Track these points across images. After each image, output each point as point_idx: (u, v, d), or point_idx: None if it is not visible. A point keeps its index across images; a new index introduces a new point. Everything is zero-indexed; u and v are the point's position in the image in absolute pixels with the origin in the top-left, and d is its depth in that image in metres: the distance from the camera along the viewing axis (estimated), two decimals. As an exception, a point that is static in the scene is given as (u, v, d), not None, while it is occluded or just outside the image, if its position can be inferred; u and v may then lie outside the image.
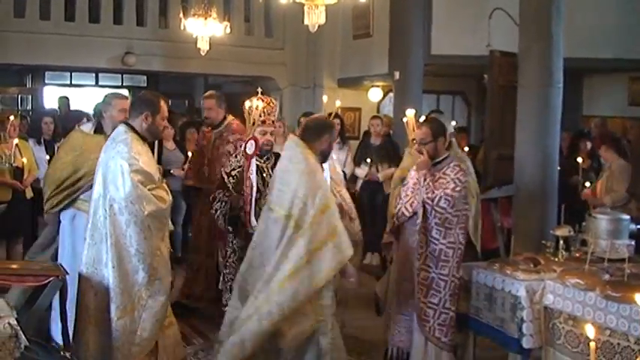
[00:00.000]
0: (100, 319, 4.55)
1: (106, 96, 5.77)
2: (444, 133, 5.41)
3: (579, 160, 7.58)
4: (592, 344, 1.92)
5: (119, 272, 4.47)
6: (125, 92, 16.08)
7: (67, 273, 4.57)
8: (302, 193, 4.47)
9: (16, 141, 7.31)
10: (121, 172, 4.47)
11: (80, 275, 4.60)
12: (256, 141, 5.34)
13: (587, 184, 7.27)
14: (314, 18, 5.10)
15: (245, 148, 5.33)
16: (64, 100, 11.76)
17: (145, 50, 11.37)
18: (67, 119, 9.05)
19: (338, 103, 6.11)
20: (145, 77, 15.67)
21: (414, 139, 5.87)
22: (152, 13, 11.60)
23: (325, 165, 5.20)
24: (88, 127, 5.80)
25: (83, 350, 4.57)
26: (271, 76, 12.30)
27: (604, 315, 4.54)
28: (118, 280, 4.48)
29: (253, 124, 5.74)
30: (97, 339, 4.57)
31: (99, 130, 5.63)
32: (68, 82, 15.14)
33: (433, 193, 5.19)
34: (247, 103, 5.79)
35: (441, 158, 5.34)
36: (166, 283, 4.65)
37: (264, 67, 12.24)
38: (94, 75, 15.23)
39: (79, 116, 8.58)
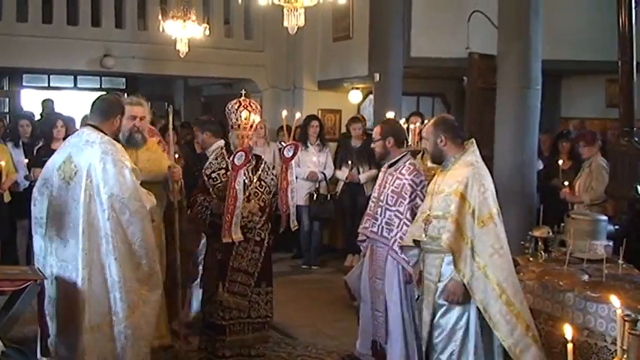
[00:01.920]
0: (102, 322, 4.54)
1: None
2: (393, 134, 5.60)
3: (560, 162, 7.63)
4: (569, 345, 1.92)
5: (125, 271, 4.50)
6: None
7: (46, 278, 4.52)
8: None
9: (-7, 144, 7.23)
10: (120, 170, 4.51)
11: (76, 279, 4.53)
12: (246, 153, 5.34)
13: (566, 183, 7.34)
14: (293, 20, 5.09)
15: (234, 158, 5.30)
16: (48, 103, 11.68)
17: (123, 52, 11.28)
18: (45, 122, 8.98)
19: (297, 116, 6.14)
20: (124, 79, 15.57)
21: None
22: (131, 15, 11.51)
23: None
24: None
25: (80, 355, 4.55)
26: (251, 78, 12.26)
27: (582, 315, 4.59)
28: (124, 279, 4.49)
29: (231, 127, 5.72)
30: (97, 343, 4.54)
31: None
32: (46, 85, 15.00)
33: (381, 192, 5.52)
34: (228, 105, 5.77)
35: (396, 158, 5.55)
36: (161, 277, 4.75)
37: (243, 69, 12.20)
38: (72, 78, 15.10)
39: (55, 120, 8.49)
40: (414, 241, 4.83)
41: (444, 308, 4.60)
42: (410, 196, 5.33)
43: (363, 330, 5.80)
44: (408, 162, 5.53)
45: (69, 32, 10.93)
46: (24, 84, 14.79)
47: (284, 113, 6.07)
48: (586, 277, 4.79)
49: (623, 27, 6.62)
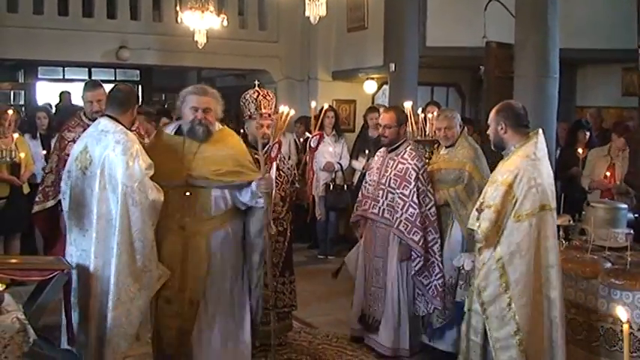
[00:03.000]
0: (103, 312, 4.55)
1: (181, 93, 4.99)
2: (406, 122, 6.08)
3: (579, 151, 7.63)
4: (625, 326, 1.92)
5: (120, 261, 4.44)
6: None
7: (73, 267, 4.56)
8: None
9: (16, 135, 7.28)
10: (129, 159, 4.47)
11: (91, 267, 4.56)
12: (280, 145, 5.42)
13: (608, 173, 7.36)
14: (315, 10, 5.12)
15: (270, 151, 5.38)
16: (66, 95, 11.73)
17: (139, 44, 11.34)
18: (64, 114, 9.04)
19: (313, 104, 6.22)
20: (138, 71, 15.64)
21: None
22: (146, 7, 11.57)
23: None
24: (169, 129, 5.09)
25: (89, 343, 4.59)
26: (266, 69, 12.30)
27: (607, 302, 4.61)
28: (117, 271, 4.44)
29: (249, 117, 5.75)
30: (99, 332, 4.55)
31: (179, 130, 4.98)
32: (61, 77, 15.08)
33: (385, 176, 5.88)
34: (244, 95, 5.81)
35: (398, 144, 5.92)
36: (154, 277, 4.57)
37: (258, 60, 12.23)
38: (86, 70, 15.17)
39: (75, 111, 8.55)
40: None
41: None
42: (414, 180, 5.64)
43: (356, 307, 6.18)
44: (409, 147, 5.88)
45: (85, 24, 10.99)
46: (39, 76, 14.89)
47: (313, 104, 6.13)
48: (609, 265, 4.80)
49: (641, 14, 6.61)
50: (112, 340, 4.46)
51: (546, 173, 4.47)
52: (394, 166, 5.82)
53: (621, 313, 1.93)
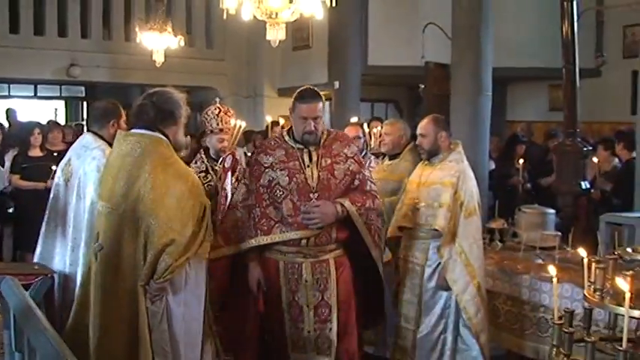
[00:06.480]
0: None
1: None
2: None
3: (521, 161, 8.19)
4: (554, 280, 2.45)
5: (85, 272, 4.68)
6: (62, 103, 16.33)
7: (55, 272, 4.84)
8: None
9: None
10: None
11: (66, 273, 4.80)
12: (234, 156, 5.77)
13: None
14: (274, 34, 5.53)
15: (224, 162, 5.70)
16: (12, 112, 11.84)
17: (89, 62, 11.58)
18: (21, 130, 9.18)
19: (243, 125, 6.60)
20: (83, 88, 15.77)
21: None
22: (96, 26, 11.82)
23: None
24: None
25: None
26: (212, 86, 12.66)
27: (538, 294, 5.17)
28: (82, 281, 4.62)
29: (211, 131, 6.12)
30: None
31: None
32: (6, 94, 15.10)
33: None
34: (207, 111, 6.17)
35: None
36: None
37: (205, 77, 12.60)
38: (32, 86, 15.25)
39: (32, 127, 8.73)
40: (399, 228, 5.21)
41: (433, 290, 4.94)
42: None
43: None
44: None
45: (36, 42, 11.18)
46: (-17, 93, 14.87)
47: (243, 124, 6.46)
48: (540, 261, 5.39)
49: (566, 35, 7.06)
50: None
51: (473, 176, 5.04)
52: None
53: (551, 269, 2.47)
